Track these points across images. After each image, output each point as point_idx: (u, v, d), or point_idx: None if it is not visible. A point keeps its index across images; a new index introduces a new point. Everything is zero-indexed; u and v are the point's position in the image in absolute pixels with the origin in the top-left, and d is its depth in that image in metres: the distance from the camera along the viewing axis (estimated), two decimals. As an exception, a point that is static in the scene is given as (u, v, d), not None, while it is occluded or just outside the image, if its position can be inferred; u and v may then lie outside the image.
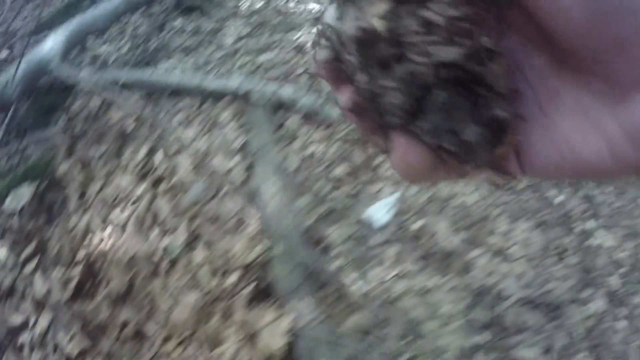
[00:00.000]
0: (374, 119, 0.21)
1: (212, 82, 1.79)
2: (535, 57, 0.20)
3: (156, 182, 1.61)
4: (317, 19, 2.70)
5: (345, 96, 0.22)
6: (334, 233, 1.41)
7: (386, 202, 1.50)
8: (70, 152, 1.82)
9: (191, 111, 1.80)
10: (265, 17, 2.62)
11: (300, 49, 2.23)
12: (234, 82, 1.76)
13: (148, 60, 2.16)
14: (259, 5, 2.81)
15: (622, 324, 1.49)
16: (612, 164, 0.19)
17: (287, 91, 1.74)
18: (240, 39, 2.34)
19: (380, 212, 1.47)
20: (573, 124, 0.19)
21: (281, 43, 2.31)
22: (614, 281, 1.59)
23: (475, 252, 1.50)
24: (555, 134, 0.20)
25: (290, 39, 2.39)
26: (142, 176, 1.65)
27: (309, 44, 2.35)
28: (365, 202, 1.52)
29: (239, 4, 2.80)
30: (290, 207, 1.42)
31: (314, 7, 2.83)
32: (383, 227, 1.46)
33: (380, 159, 1.64)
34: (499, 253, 1.53)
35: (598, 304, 1.52)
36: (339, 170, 1.57)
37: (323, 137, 1.67)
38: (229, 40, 2.33)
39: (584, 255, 1.62)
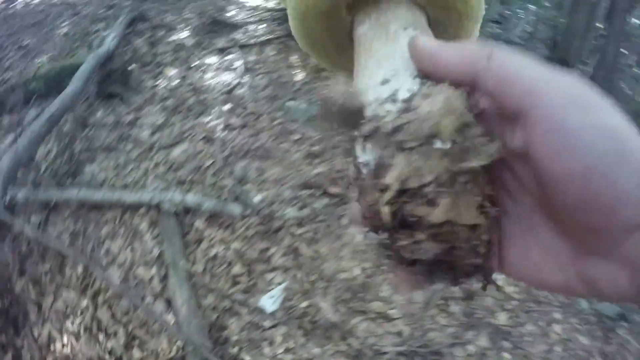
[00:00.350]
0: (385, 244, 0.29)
1: (130, 196, 2.24)
2: (527, 202, 0.28)
3: (95, 295, 2.09)
4: (228, 92, 3.12)
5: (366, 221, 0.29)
6: (234, 324, 1.93)
7: (276, 290, 2.02)
8: (21, 270, 2.27)
9: (115, 223, 2.25)
10: (180, 98, 3.03)
11: (209, 139, 2.67)
12: (147, 195, 2.23)
13: (75, 167, 2.58)
14: (175, 82, 3.21)
15: (506, 356, 1.96)
16: (565, 292, 0.27)
17: (191, 198, 2.21)
18: (155, 130, 2.77)
19: (271, 299, 1.99)
20: (543, 256, 0.27)
21: (193, 131, 2.75)
22: (501, 317, 2.10)
23: (356, 319, 2.01)
24: (529, 258, 0.28)
25: (202, 122, 2.83)
26: (84, 290, 2.12)
27: (219, 127, 2.79)
28: (260, 291, 2.04)
29: (156, 83, 3.19)
30: (197, 309, 1.93)
31: (228, 78, 3.23)
32: (274, 312, 1.98)
33: (273, 250, 2.15)
34: (380, 316, 2.03)
35: (480, 342, 2.00)
36: (237, 268, 2.07)
37: (224, 237, 2.16)
38: (145, 133, 2.76)
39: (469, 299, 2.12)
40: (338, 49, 0.41)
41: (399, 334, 1.98)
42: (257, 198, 2.33)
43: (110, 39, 3.33)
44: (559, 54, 6.47)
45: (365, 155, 0.28)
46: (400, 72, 0.31)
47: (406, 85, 0.30)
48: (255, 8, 4.31)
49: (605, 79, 5.16)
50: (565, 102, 0.23)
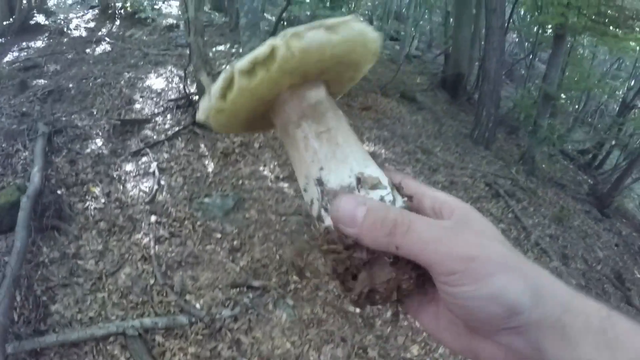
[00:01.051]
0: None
1: (98, 330, 3.05)
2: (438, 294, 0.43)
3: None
4: (151, 201, 3.89)
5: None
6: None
7: (228, 377, 2.93)
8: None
9: (94, 354, 3.06)
10: (110, 218, 3.78)
11: (146, 258, 3.47)
12: (112, 326, 3.05)
13: (43, 310, 3.31)
14: (102, 201, 3.93)
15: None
16: (460, 354, 0.43)
17: (147, 321, 3.05)
18: (99, 258, 3.53)
19: (225, 385, 2.90)
20: (446, 326, 0.45)
21: (130, 251, 3.54)
22: (414, 350, 3.11)
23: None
24: (437, 324, 0.46)
25: (136, 239, 3.61)
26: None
27: (151, 243, 3.59)
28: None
29: (86, 206, 3.91)
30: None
31: (147, 185, 3.98)
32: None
33: (220, 346, 3.05)
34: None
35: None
36: (197, 368, 2.96)
37: (181, 345, 3.04)
38: (90, 263, 3.52)
39: (384, 342, 3.15)
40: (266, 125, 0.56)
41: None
42: (197, 306, 3.20)
43: (35, 172, 3.98)
44: (452, 67, 7.52)
45: None
46: (309, 180, 0.49)
47: (315, 195, 0.49)
48: (159, 94, 4.99)
49: (491, 92, 6.20)
50: (455, 275, 0.39)
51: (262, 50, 0.44)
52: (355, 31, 0.47)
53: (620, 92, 10.49)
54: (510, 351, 0.40)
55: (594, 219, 6.81)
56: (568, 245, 5.38)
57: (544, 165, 7.21)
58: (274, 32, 5.59)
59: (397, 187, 0.50)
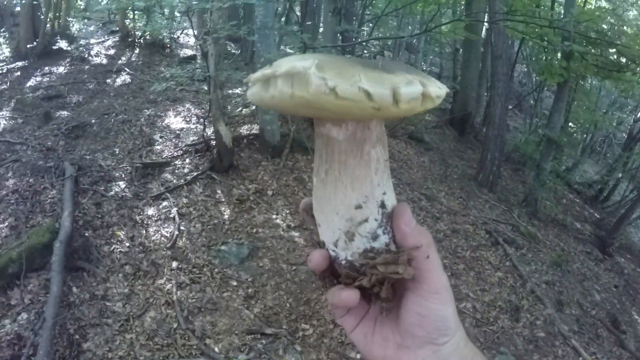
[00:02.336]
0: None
1: (127, 371, 3.60)
2: (392, 309, 0.62)
3: None
4: (172, 247, 4.44)
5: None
6: None
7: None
8: None
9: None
10: (135, 263, 4.34)
11: (169, 303, 4.02)
12: (140, 368, 3.59)
13: (76, 349, 3.86)
14: (127, 244, 4.49)
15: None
16: None
17: (172, 363, 3.60)
18: (126, 301, 4.08)
19: None
20: (379, 340, 0.62)
21: (155, 296, 4.08)
22: None
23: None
24: (371, 338, 0.63)
25: (159, 285, 4.16)
26: None
27: (173, 288, 4.13)
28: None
29: (112, 249, 4.46)
30: None
31: (168, 230, 4.53)
32: None
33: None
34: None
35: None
36: (214, 408, 3.50)
37: (200, 386, 3.58)
38: (118, 305, 4.07)
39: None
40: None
41: None
42: (216, 349, 3.74)
43: (65, 217, 4.53)
44: (460, 106, 8.09)
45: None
46: (369, 201, 0.54)
47: (373, 215, 0.55)
48: (178, 135, 5.53)
49: (495, 137, 6.73)
50: (437, 295, 0.57)
51: (410, 88, 0.45)
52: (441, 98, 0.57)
53: (630, 121, 10.94)
54: None
55: (594, 259, 7.26)
56: (564, 291, 5.86)
57: (548, 202, 7.67)
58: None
59: None
